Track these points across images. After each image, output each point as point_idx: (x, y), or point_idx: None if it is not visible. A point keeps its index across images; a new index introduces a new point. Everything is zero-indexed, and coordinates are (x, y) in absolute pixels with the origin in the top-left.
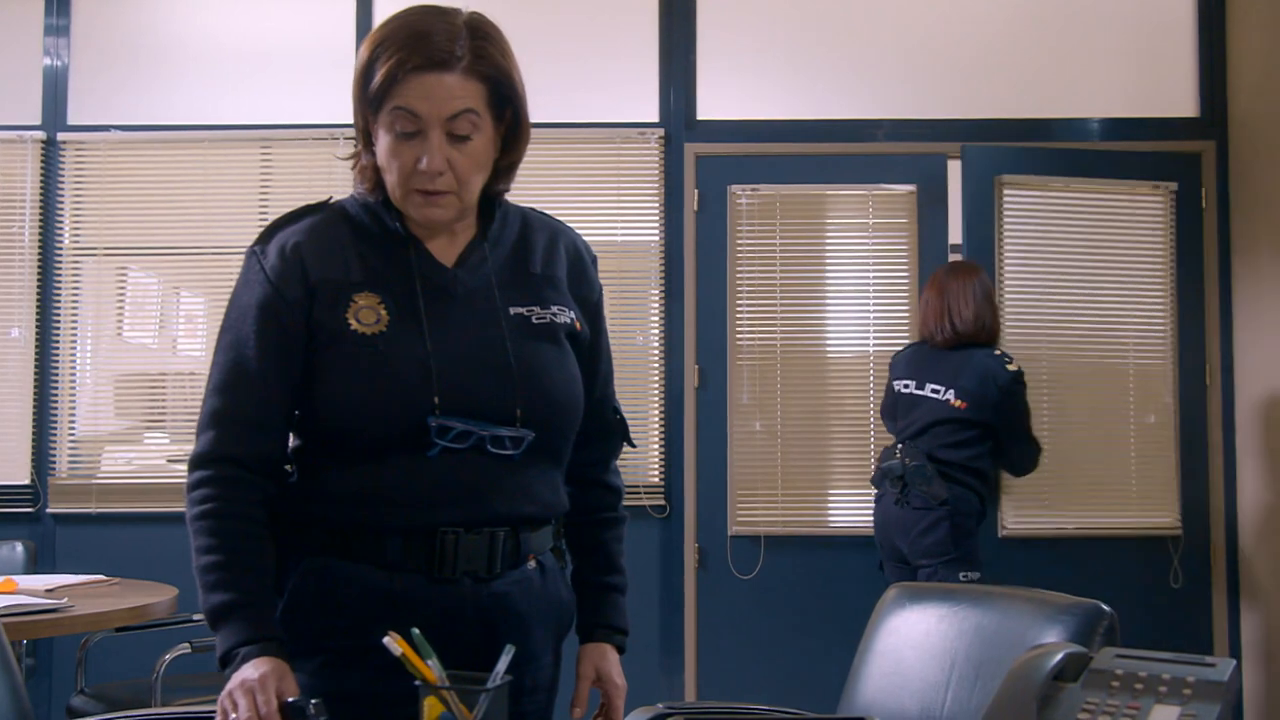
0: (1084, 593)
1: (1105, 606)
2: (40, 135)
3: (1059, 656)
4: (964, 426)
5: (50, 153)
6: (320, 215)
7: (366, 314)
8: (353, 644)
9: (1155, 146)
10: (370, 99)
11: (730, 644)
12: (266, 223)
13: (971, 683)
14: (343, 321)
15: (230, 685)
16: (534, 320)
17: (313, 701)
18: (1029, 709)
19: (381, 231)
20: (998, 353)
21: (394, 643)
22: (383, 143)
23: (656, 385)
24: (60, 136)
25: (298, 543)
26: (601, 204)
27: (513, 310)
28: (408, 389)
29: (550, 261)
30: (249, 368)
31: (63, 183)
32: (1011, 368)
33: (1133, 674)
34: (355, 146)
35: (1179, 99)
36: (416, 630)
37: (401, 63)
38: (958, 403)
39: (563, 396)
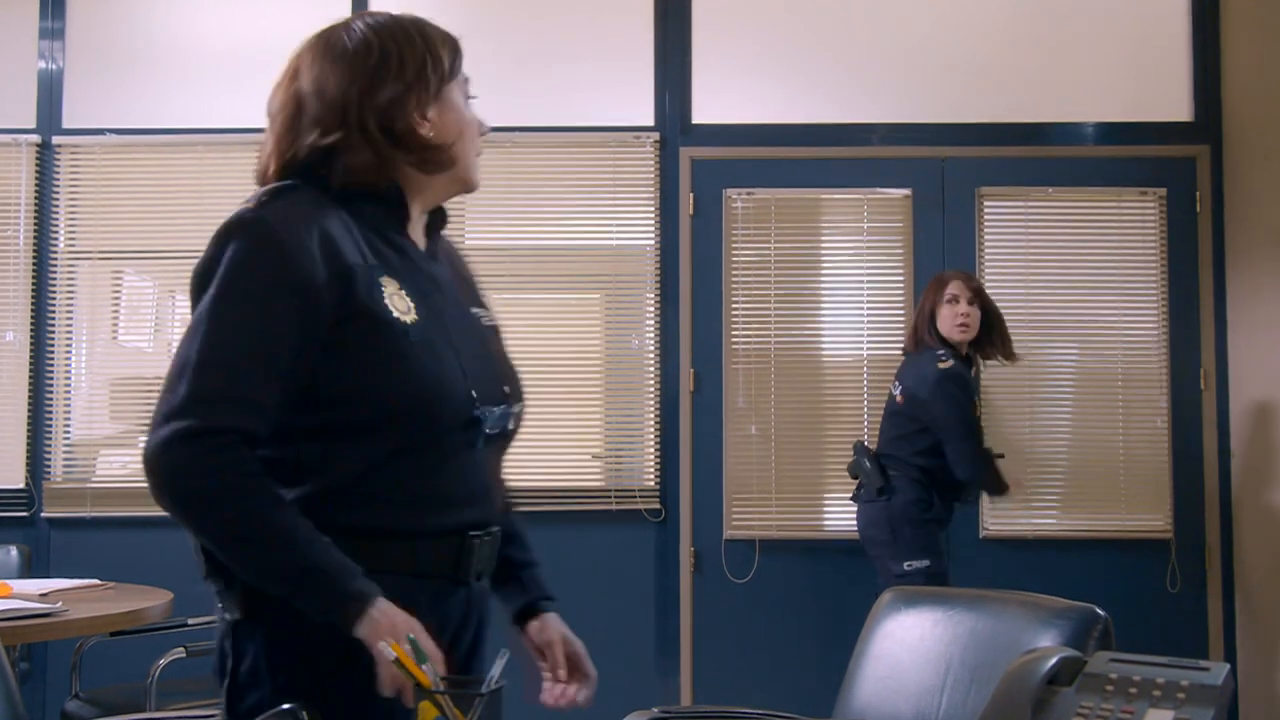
0: (1079, 596)
1: (1100, 610)
2: (35, 139)
3: (1053, 661)
4: (906, 421)
5: (45, 156)
6: (308, 193)
7: (398, 301)
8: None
9: (1149, 151)
10: (442, 77)
11: (726, 648)
12: None
13: (966, 687)
14: (384, 308)
15: (395, 621)
16: (484, 321)
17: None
18: (1024, 713)
19: (375, 216)
20: (940, 352)
21: (389, 647)
22: (460, 110)
23: (652, 389)
24: (55, 140)
25: None
26: (597, 208)
27: (471, 310)
28: (455, 380)
29: (466, 264)
30: (265, 347)
31: (58, 186)
32: (943, 365)
33: (1127, 678)
34: (331, 139)
35: (1173, 103)
36: (411, 635)
37: (454, 45)
38: (899, 399)
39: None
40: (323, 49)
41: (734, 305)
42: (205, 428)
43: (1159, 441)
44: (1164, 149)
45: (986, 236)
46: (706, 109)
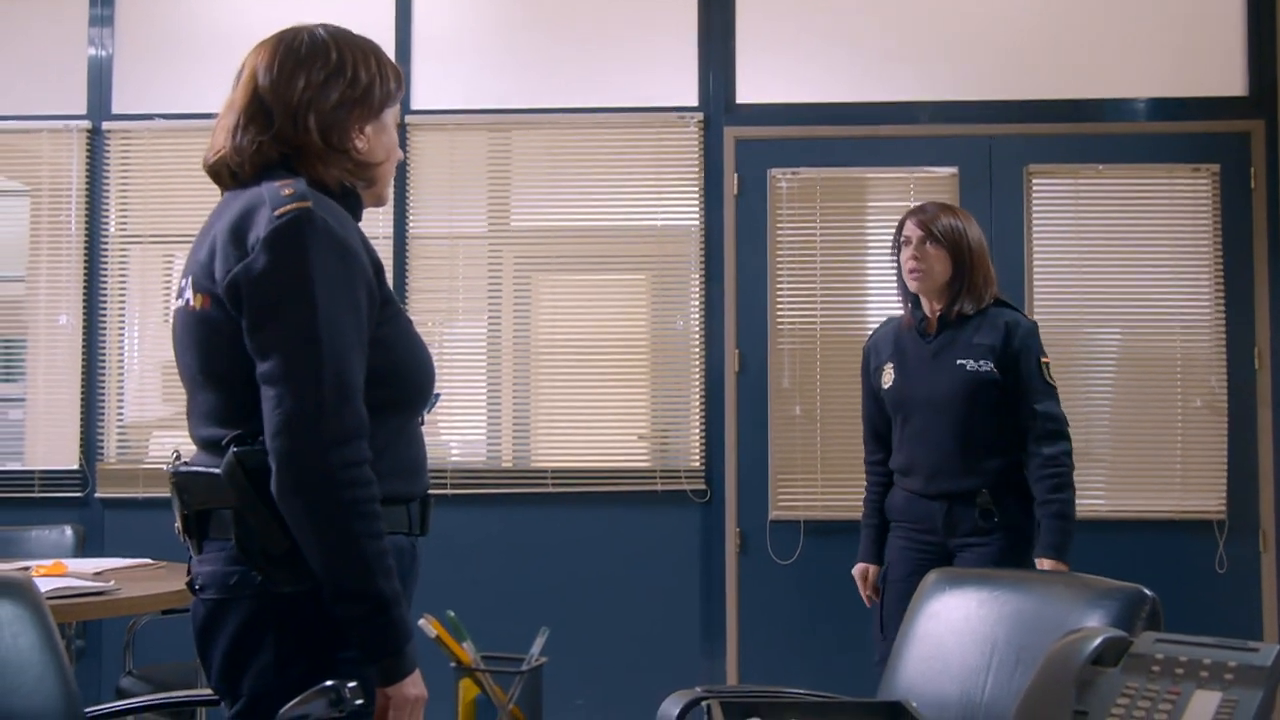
0: (1128, 577)
1: (1147, 591)
2: (86, 124)
3: (1097, 641)
4: None
5: (96, 141)
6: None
7: (389, 289)
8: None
9: (1202, 127)
10: (386, 99)
11: (771, 629)
12: None
13: (1012, 667)
14: (392, 295)
15: (419, 693)
16: None
17: (349, 685)
18: (1066, 694)
19: (349, 212)
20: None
21: (429, 625)
22: (391, 133)
23: (697, 370)
24: (105, 125)
25: None
26: (641, 189)
27: None
28: (430, 357)
29: None
30: (361, 339)
31: (108, 171)
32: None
33: (1173, 659)
34: (284, 139)
35: (1226, 77)
36: (451, 613)
37: (399, 75)
38: None
39: None
40: (284, 50)
41: (779, 285)
42: (354, 432)
43: (1212, 422)
44: (1217, 124)
45: (1035, 216)
46: (751, 88)
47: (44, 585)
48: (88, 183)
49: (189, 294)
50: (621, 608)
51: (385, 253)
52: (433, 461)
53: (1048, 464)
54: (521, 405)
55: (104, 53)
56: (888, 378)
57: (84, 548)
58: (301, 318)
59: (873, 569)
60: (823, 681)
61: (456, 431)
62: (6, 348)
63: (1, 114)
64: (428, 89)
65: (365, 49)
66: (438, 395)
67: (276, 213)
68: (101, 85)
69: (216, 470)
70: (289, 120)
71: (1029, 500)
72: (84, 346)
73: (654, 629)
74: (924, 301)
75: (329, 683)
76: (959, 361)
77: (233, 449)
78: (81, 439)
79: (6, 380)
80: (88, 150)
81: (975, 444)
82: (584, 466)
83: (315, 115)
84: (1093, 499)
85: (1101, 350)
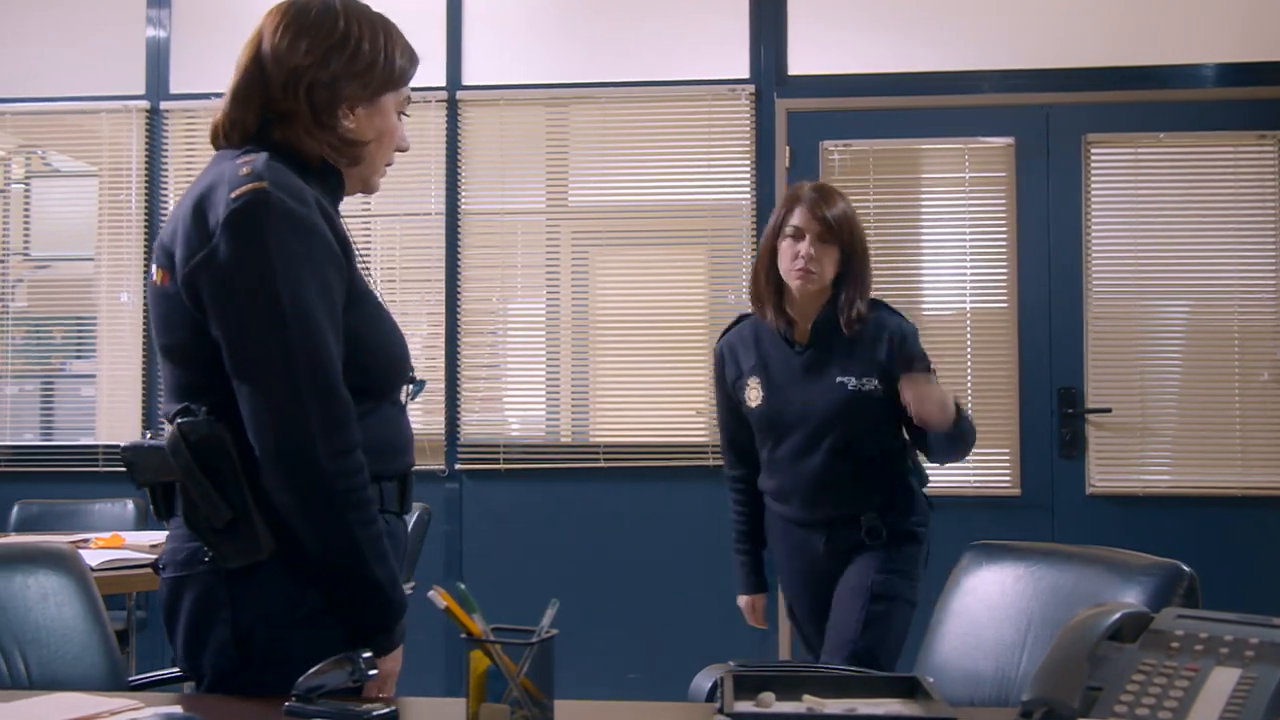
0: (1186, 555)
1: (1185, 567)
2: (144, 104)
3: (1115, 616)
4: None
5: (154, 121)
6: (283, 165)
7: (362, 271)
8: None
9: (1267, 93)
10: (394, 81)
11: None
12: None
13: (1046, 644)
14: (360, 278)
15: (398, 666)
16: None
17: (364, 655)
18: (1079, 669)
19: (326, 195)
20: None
21: (439, 597)
22: (387, 120)
23: None
24: (163, 105)
25: None
26: (693, 162)
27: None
28: (403, 344)
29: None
30: (334, 322)
31: (167, 150)
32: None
33: (1193, 635)
34: (276, 107)
35: None
36: (462, 585)
37: (412, 57)
38: None
39: None
40: (293, 15)
41: None
42: (341, 418)
43: (1276, 397)
44: None
45: (1094, 186)
46: (802, 60)
47: (99, 557)
48: (147, 162)
49: (154, 268)
50: (675, 582)
51: (437, 229)
52: (490, 437)
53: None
54: (580, 381)
55: (161, 33)
56: (754, 395)
57: (145, 521)
58: (267, 308)
59: (758, 598)
60: None
61: (517, 407)
62: (80, 326)
63: (63, 95)
64: (479, 64)
65: (376, 24)
66: (423, 383)
67: (233, 195)
68: (159, 65)
69: (162, 444)
70: (281, 86)
71: (917, 510)
72: (144, 325)
73: (708, 603)
74: (791, 304)
75: (346, 653)
76: (839, 379)
77: (177, 420)
78: (143, 414)
79: (79, 358)
80: (147, 130)
81: (859, 466)
82: (641, 441)
83: (309, 84)
84: (1155, 475)
85: (1161, 325)
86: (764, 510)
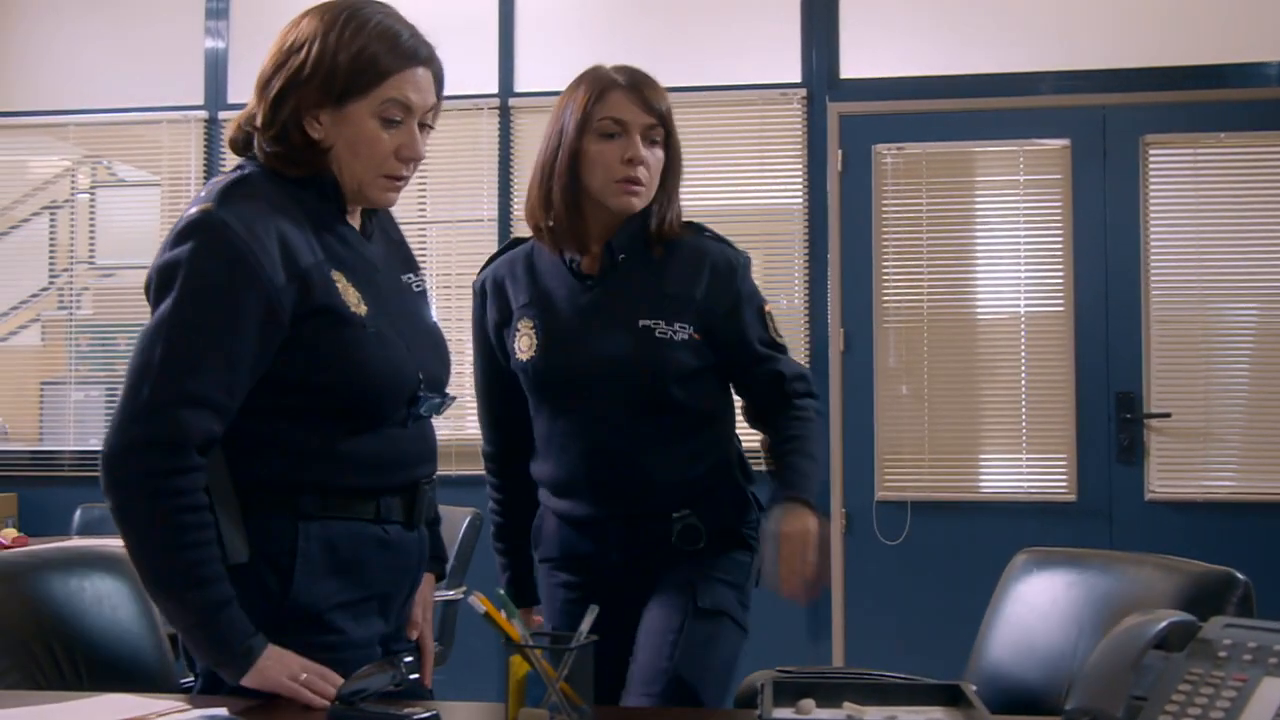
0: (1247, 564)
1: (1239, 575)
2: (203, 115)
3: (1161, 625)
4: None
5: (213, 131)
6: (259, 185)
7: (350, 294)
8: (362, 595)
9: None
10: (358, 85)
11: (878, 610)
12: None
13: None
14: (340, 303)
15: (290, 668)
16: (415, 287)
17: (405, 660)
18: (1124, 678)
19: (318, 207)
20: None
21: (478, 602)
22: (359, 128)
23: (802, 349)
24: (222, 115)
25: (288, 508)
26: (744, 168)
27: (403, 278)
28: (403, 367)
29: (397, 227)
30: (227, 350)
31: (224, 160)
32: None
33: (1241, 644)
34: (259, 120)
35: None
36: (501, 590)
37: (402, 55)
38: None
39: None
40: (309, 16)
41: (884, 263)
42: (165, 439)
43: None
44: None
45: (1152, 188)
46: (854, 63)
47: None
48: (205, 171)
49: None
50: None
51: (490, 236)
52: None
53: (798, 412)
54: None
55: (220, 44)
56: (525, 343)
57: None
58: (159, 319)
59: (529, 614)
60: (929, 663)
61: None
62: None
63: (125, 106)
64: (530, 71)
65: (347, 26)
66: (451, 398)
67: (189, 213)
68: (218, 76)
69: None
70: (259, 90)
71: (748, 510)
72: None
73: (760, 609)
74: (583, 227)
75: (385, 657)
76: (643, 323)
77: None
78: None
79: None
80: (205, 139)
81: (669, 444)
82: None
83: (271, 88)
84: (1217, 481)
85: (1225, 328)
86: (534, 505)
